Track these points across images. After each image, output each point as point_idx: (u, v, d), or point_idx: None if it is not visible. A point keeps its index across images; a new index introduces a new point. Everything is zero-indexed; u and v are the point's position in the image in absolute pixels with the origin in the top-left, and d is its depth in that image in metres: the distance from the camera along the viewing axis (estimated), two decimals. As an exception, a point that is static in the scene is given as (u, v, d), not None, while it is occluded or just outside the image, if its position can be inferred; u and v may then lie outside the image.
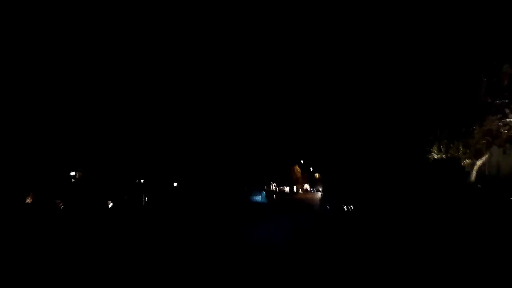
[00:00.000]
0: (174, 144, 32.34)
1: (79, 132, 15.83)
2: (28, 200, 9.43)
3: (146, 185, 23.10)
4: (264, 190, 50.12)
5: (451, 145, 17.74)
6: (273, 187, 55.88)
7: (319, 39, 30.45)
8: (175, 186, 35.64)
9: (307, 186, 63.01)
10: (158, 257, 6.58)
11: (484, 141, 16.72)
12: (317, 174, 67.87)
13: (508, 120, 14.26)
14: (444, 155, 17.52)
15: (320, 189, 22.46)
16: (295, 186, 60.67)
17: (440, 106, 17.54)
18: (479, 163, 17.63)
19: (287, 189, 59.79)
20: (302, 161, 57.44)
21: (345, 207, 15.35)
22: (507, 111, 14.17)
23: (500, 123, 14.43)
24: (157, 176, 28.02)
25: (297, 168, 55.28)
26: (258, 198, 37.90)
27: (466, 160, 17.65)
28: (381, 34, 22.02)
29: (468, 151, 16.69)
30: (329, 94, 29.93)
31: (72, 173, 19.50)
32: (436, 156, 19.02)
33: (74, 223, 9.24)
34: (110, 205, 10.91)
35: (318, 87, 31.94)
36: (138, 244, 7.70)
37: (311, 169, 63.70)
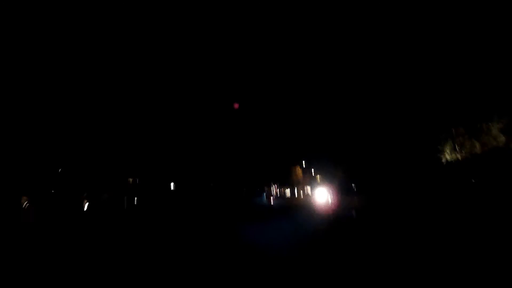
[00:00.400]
0: (173, 143, 31.10)
1: (58, 122, 14.54)
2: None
3: (138, 184, 21.79)
4: (264, 191, 48.72)
5: (466, 143, 16.39)
6: (274, 188, 54.39)
7: (325, 36, 29.20)
8: (172, 187, 34.35)
9: (309, 188, 61.49)
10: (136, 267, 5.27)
11: (503, 138, 15.38)
12: (318, 178, 66.35)
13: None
14: (459, 155, 16.13)
15: (325, 193, 20.84)
16: (296, 189, 59.16)
17: (455, 101, 16.19)
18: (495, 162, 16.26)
19: (287, 191, 58.30)
20: (303, 162, 55.96)
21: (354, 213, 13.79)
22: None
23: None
24: (151, 175, 26.73)
25: (299, 169, 53.81)
26: (259, 200, 36.61)
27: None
28: (388, 29, 20.78)
29: (485, 149, 15.34)
30: (333, 93, 28.67)
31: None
32: (448, 157, 17.64)
33: (36, 225, 7.95)
34: (86, 205, 9.60)
35: (323, 85, 30.71)
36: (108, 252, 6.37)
37: (313, 170, 62.22)
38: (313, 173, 64.15)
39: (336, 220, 11.70)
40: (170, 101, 31.68)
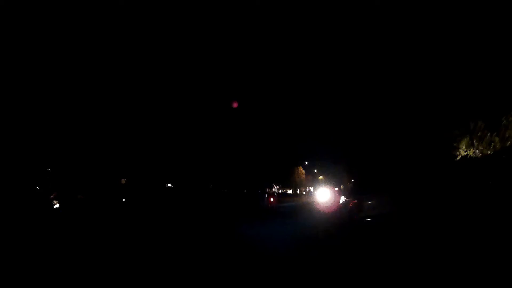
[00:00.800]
0: (169, 143, 29.91)
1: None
2: None
3: (129, 185, 20.53)
4: (265, 193, 47.26)
5: (485, 138, 14.97)
6: (275, 190, 52.99)
7: (327, 34, 27.90)
8: (169, 187, 33.11)
9: (311, 188, 60.27)
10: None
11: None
12: (321, 177, 65.16)
13: None
14: (477, 151, 14.70)
15: (330, 194, 19.38)
16: (298, 190, 57.96)
17: (472, 94, 14.75)
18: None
19: (290, 192, 57.10)
20: (306, 162, 54.65)
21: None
22: None
23: None
24: (145, 176, 25.50)
25: (301, 169, 52.51)
26: (260, 202, 35.18)
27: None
28: (397, 20, 19.43)
29: (507, 144, 13.92)
30: (337, 88, 27.39)
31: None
32: (463, 153, 16.20)
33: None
34: (56, 205, 8.29)
35: (326, 80, 29.44)
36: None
37: (315, 171, 60.99)
38: (316, 173, 62.93)
39: (346, 223, 10.21)
40: (167, 100, 30.52)
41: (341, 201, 12.73)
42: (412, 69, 16.07)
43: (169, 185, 33.94)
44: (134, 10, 25.14)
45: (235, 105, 37.36)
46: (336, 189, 41.86)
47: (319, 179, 60.71)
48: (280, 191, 53.78)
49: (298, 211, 21.28)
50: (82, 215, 9.27)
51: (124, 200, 14.09)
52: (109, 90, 23.05)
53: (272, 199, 31.77)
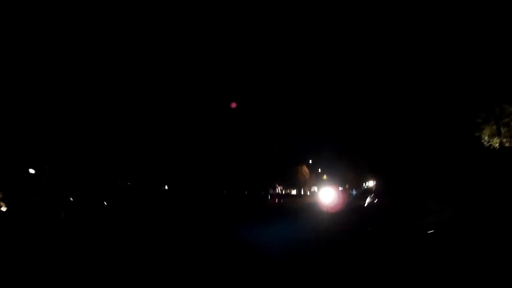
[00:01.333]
0: (167, 141, 28.47)
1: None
2: None
3: (118, 186, 19.10)
4: (268, 193, 45.54)
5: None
6: (279, 190, 51.16)
7: (331, 27, 26.20)
8: (165, 189, 31.68)
9: (315, 188, 58.42)
10: None
11: None
12: (325, 176, 63.22)
13: None
14: (505, 140, 12.89)
15: (340, 194, 17.61)
16: (302, 189, 56.14)
17: (498, 73, 12.96)
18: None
19: (294, 192, 55.35)
20: (310, 161, 52.76)
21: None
22: None
23: None
24: (140, 177, 24.07)
25: (305, 168, 50.63)
26: (262, 202, 33.77)
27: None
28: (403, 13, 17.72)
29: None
30: (341, 79, 25.78)
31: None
32: (486, 144, 14.38)
33: None
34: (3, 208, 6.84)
35: (330, 73, 27.84)
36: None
37: (319, 170, 59.07)
38: (320, 172, 61.08)
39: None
40: (165, 99, 29.13)
41: (366, 203, 10.78)
42: (427, 48, 14.32)
43: (166, 187, 32.50)
44: (134, 10, 24.00)
45: (233, 105, 35.81)
46: (340, 188, 40.02)
47: (323, 179, 58.89)
48: (283, 192, 51.93)
49: (307, 216, 19.43)
50: (36, 219, 7.84)
51: (105, 203, 12.62)
52: (104, 89, 21.85)
53: (276, 200, 30.53)
